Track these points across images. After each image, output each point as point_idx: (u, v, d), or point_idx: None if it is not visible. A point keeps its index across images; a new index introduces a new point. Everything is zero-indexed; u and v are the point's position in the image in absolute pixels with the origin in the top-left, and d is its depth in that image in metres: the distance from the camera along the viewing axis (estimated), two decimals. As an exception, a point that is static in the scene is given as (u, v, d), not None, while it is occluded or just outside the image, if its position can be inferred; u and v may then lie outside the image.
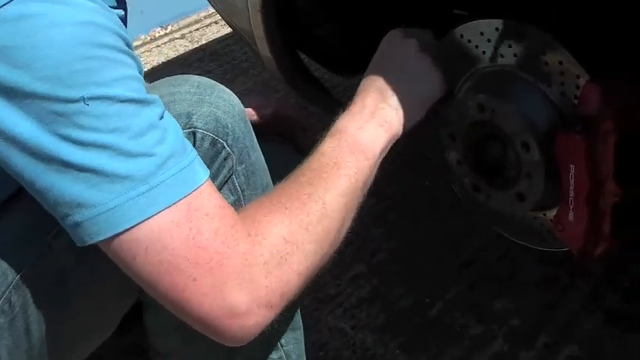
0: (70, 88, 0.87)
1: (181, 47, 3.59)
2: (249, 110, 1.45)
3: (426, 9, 1.64)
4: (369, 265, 1.98)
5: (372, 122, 1.19)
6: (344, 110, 1.22)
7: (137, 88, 0.93)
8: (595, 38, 1.22)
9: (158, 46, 3.65)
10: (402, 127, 1.23)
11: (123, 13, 1.08)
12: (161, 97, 1.01)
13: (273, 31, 1.62)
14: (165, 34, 3.81)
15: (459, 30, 1.35)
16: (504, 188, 1.32)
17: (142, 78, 0.98)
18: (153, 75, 2.30)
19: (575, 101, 1.18)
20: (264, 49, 1.69)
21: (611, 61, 1.20)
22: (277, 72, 1.75)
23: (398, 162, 2.16)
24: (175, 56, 3.46)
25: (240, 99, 1.42)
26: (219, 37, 3.52)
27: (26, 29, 0.87)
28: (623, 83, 1.18)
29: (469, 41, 1.33)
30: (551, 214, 1.29)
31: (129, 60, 0.95)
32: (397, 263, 1.97)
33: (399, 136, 1.22)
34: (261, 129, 1.36)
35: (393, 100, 1.22)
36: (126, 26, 1.11)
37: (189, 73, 2.66)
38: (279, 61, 1.72)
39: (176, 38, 3.74)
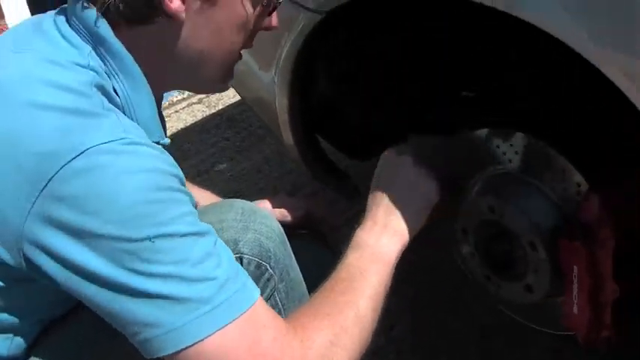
0: (137, 229, 0.98)
1: (199, 112, 3.71)
2: (283, 211, 1.59)
3: (436, 92, 1.78)
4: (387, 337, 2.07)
5: (386, 234, 1.32)
6: (358, 226, 1.34)
7: (193, 221, 1.05)
8: (595, 150, 1.34)
9: (177, 111, 3.78)
10: (409, 233, 1.35)
11: (169, 141, 1.22)
12: (211, 224, 1.14)
13: (298, 126, 1.75)
14: (183, 99, 3.93)
15: (473, 133, 1.48)
16: (513, 280, 1.45)
17: (195, 210, 1.10)
18: (174, 141, 2.41)
19: (578, 205, 1.31)
20: (288, 138, 1.81)
21: (609, 170, 1.33)
22: (300, 160, 1.87)
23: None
24: (193, 122, 3.58)
25: (272, 200, 1.57)
26: (235, 102, 3.63)
27: (95, 181, 0.97)
28: (620, 192, 1.30)
29: (481, 145, 1.46)
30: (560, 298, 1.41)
31: (184, 197, 1.06)
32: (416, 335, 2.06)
33: (408, 242, 1.35)
34: (293, 226, 1.51)
35: (398, 212, 1.35)
36: None
37: (207, 140, 2.83)
38: (302, 151, 1.84)
39: (194, 103, 3.86)
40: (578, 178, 1.31)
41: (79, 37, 1.11)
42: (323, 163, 1.92)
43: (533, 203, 1.38)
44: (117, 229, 0.98)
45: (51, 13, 1.17)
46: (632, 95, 0.99)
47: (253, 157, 3.05)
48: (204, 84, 1.28)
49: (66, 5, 1.14)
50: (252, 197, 2.69)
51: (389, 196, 1.35)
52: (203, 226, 1.07)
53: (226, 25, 1.17)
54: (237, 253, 1.26)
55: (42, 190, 0.97)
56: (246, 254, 1.27)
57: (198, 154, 3.07)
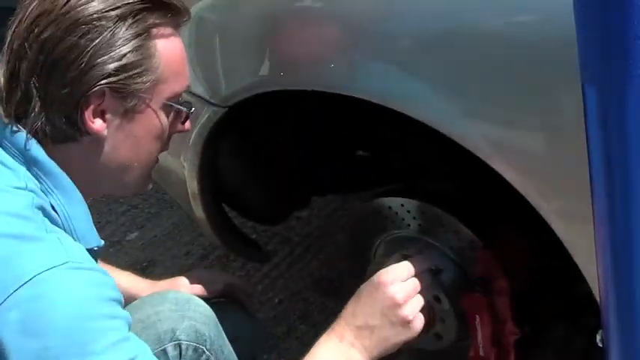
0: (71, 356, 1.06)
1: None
2: (201, 287, 1.68)
3: (332, 155, 1.93)
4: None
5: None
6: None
7: (127, 348, 1.12)
8: (484, 211, 1.50)
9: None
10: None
11: (102, 243, 1.32)
12: (148, 316, 1.26)
13: (207, 203, 1.86)
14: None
15: (376, 201, 1.62)
16: (424, 330, 1.58)
17: (129, 327, 1.17)
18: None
19: (473, 260, 1.46)
20: (198, 212, 1.92)
21: (498, 228, 1.48)
22: (211, 232, 1.98)
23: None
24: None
25: (188, 276, 1.67)
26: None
27: (36, 309, 1.05)
28: (511, 244, 1.46)
29: (382, 212, 1.60)
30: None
31: (118, 323, 1.13)
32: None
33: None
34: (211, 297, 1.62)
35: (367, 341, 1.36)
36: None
37: (116, 209, 2.86)
38: (212, 223, 1.95)
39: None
40: (471, 236, 1.46)
41: (12, 159, 1.19)
42: (232, 233, 2.03)
43: (434, 262, 1.52)
44: (56, 352, 1.05)
45: None
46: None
47: (163, 223, 3.11)
48: (127, 189, 1.38)
49: None
50: (165, 264, 2.81)
51: (362, 322, 1.37)
52: (132, 349, 1.14)
53: (144, 137, 1.27)
54: (175, 341, 1.36)
55: None
56: (184, 340, 1.38)
57: (109, 225, 3.11)
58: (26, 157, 1.19)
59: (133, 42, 1.18)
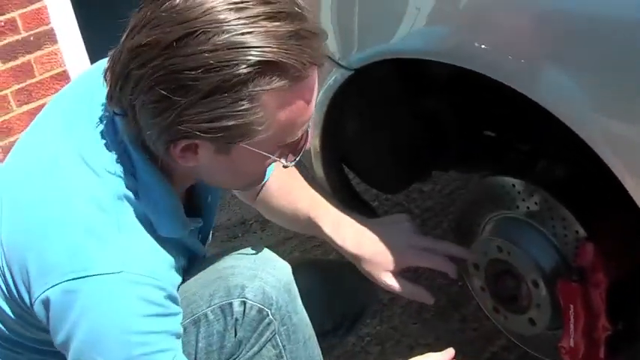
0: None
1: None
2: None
3: (461, 132, 1.95)
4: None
5: None
6: None
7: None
8: (593, 203, 1.50)
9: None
10: None
11: (201, 222, 1.42)
12: (224, 268, 1.40)
13: (327, 161, 1.91)
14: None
15: (490, 179, 1.65)
16: (519, 313, 1.61)
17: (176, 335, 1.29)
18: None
19: (575, 250, 1.47)
20: (318, 171, 1.97)
21: (604, 222, 1.48)
22: (328, 190, 2.04)
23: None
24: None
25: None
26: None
27: (81, 308, 1.19)
28: (613, 240, 1.46)
29: (494, 190, 1.63)
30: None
31: (154, 338, 1.23)
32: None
33: None
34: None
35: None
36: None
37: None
38: (330, 182, 2.00)
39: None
40: (577, 226, 1.47)
41: (111, 140, 1.25)
42: (350, 195, 2.08)
43: (537, 246, 1.54)
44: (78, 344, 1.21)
45: (102, 97, 1.26)
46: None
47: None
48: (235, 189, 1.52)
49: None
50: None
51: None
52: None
53: (240, 169, 1.27)
54: (242, 297, 1.41)
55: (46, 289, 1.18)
56: (250, 299, 1.41)
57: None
58: (122, 145, 1.25)
59: (233, 108, 1.12)
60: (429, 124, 1.89)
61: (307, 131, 1.28)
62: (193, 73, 1.08)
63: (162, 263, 1.28)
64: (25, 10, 3.22)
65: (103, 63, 1.25)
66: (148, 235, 1.26)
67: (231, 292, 1.40)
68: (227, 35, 1.07)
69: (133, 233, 1.24)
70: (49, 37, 3.32)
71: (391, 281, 1.59)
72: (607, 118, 1.20)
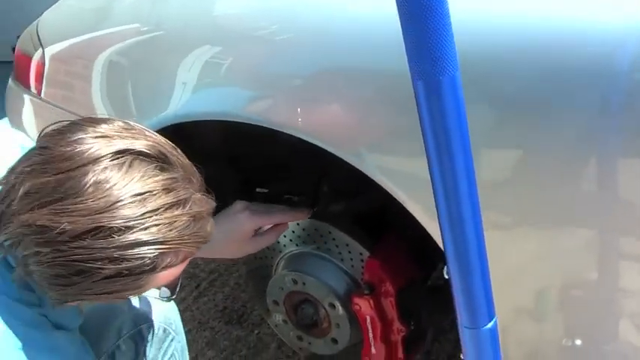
0: None
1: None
2: None
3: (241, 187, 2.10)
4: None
5: None
6: None
7: None
8: (373, 225, 1.71)
9: None
10: None
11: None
12: (121, 305, 1.56)
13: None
14: None
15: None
16: (321, 336, 1.79)
17: None
18: None
19: (362, 268, 1.67)
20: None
21: (383, 241, 1.69)
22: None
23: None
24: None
25: None
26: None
27: None
28: (394, 251, 1.67)
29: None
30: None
31: None
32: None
33: None
34: None
35: None
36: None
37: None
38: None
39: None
40: (360, 249, 1.68)
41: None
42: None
43: (327, 272, 1.73)
44: None
45: None
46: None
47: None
48: None
49: None
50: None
51: None
52: None
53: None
54: (148, 322, 1.64)
55: None
56: (155, 321, 1.66)
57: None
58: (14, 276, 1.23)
59: (130, 285, 1.16)
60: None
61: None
62: (98, 263, 1.10)
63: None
64: None
65: None
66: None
67: (136, 320, 1.57)
68: (132, 231, 1.10)
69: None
70: None
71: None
72: (383, 154, 1.36)
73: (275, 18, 1.50)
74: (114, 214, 1.09)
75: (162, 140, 1.20)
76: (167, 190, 1.14)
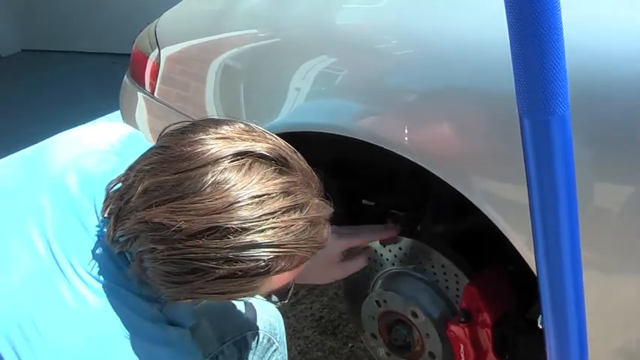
0: None
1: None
2: None
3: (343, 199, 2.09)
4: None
5: None
6: None
7: None
8: (472, 252, 1.67)
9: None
10: None
11: None
12: (226, 310, 1.60)
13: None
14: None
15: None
16: (412, 359, 1.75)
17: None
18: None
19: (460, 295, 1.63)
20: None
21: (484, 268, 1.65)
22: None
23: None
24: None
25: None
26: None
27: None
28: (494, 281, 1.62)
29: (378, 250, 1.78)
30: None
31: None
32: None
33: None
34: None
35: None
36: None
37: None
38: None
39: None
40: (459, 274, 1.63)
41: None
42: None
43: (425, 295, 1.69)
44: None
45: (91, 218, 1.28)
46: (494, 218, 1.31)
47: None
48: None
49: None
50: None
51: None
52: None
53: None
54: (253, 330, 1.66)
55: None
56: (261, 330, 1.68)
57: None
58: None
59: (244, 287, 1.18)
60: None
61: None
62: (213, 263, 1.11)
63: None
64: None
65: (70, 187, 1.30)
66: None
67: (241, 327, 1.59)
68: (248, 233, 1.11)
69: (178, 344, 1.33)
70: None
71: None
72: (489, 179, 1.33)
73: (396, 33, 1.48)
74: (231, 215, 1.09)
75: (283, 143, 1.21)
76: (285, 193, 1.14)
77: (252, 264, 1.12)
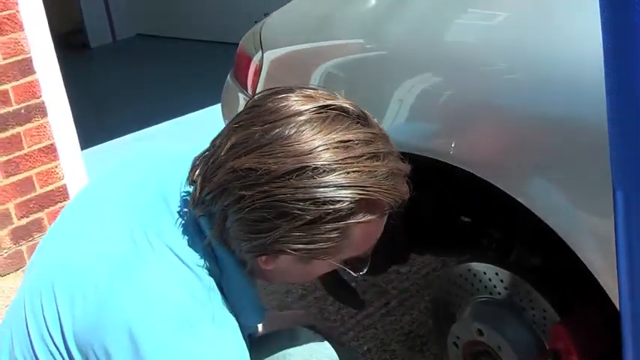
0: None
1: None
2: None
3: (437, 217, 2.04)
4: None
5: None
6: None
7: None
8: (565, 289, 1.59)
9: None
10: None
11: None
12: (281, 353, 1.48)
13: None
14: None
15: (465, 266, 1.74)
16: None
17: None
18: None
19: (548, 333, 1.56)
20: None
21: (576, 306, 1.57)
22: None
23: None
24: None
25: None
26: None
27: None
28: (584, 322, 1.55)
29: (474, 275, 1.72)
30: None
31: None
32: None
33: None
34: None
35: None
36: None
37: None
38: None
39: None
40: (550, 311, 1.57)
41: (196, 235, 1.29)
42: (332, 276, 2.17)
43: (514, 330, 1.62)
44: None
45: (174, 192, 1.33)
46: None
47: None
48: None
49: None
50: (265, 298, 2.94)
51: None
52: None
53: (315, 272, 1.36)
54: None
55: None
56: None
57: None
58: (207, 242, 1.28)
59: (329, 235, 1.19)
60: (407, 210, 1.99)
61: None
62: (300, 204, 1.15)
63: (246, 353, 1.33)
64: (17, 83, 3.31)
65: (153, 156, 1.44)
66: (236, 326, 1.30)
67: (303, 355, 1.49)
68: (335, 174, 1.15)
69: (225, 325, 1.28)
70: (40, 110, 3.40)
71: None
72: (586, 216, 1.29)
73: (505, 54, 1.44)
74: (318, 156, 1.15)
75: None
76: (368, 142, 1.19)
77: (337, 205, 1.15)
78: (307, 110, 1.19)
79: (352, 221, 1.18)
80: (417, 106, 1.54)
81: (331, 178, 1.15)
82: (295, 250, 1.20)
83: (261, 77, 1.96)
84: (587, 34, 1.27)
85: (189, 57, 7.19)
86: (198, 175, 1.25)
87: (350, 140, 1.18)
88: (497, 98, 1.42)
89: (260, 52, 1.99)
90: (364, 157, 1.17)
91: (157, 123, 5.03)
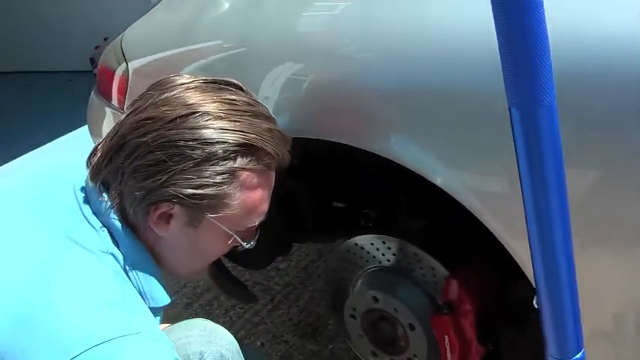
0: None
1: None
2: None
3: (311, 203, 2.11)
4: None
5: None
6: None
7: None
8: (452, 243, 1.70)
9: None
10: None
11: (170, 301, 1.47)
12: (179, 338, 1.46)
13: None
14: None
15: (351, 241, 1.82)
16: (398, 354, 1.77)
17: None
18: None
19: (441, 287, 1.66)
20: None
21: (463, 259, 1.68)
22: (206, 273, 2.15)
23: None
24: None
25: None
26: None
27: None
28: (474, 271, 1.65)
29: (362, 248, 1.80)
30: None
31: None
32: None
33: None
34: None
35: None
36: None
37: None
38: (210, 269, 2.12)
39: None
40: (439, 267, 1.67)
41: (96, 220, 1.34)
42: (222, 272, 2.21)
43: (407, 292, 1.72)
44: None
45: (66, 183, 1.41)
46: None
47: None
48: (178, 275, 1.52)
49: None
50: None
51: None
52: None
53: (203, 246, 1.42)
54: None
55: None
56: None
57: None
58: (106, 222, 1.34)
59: (216, 178, 1.30)
60: (285, 201, 2.05)
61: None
62: (191, 143, 1.28)
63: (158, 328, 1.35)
64: None
65: (52, 163, 1.47)
66: (146, 306, 1.33)
67: (190, 358, 1.50)
68: (221, 119, 1.30)
69: (136, 304, 1.30)
70: None
71: None
72: (467, 172, 1.37)
73: (357, 36, 1.52)
74: (207, 105, 1.31)
75: None
76: (251, 104, 1.36)
77: (223, 146, 1.29)
78: (196, 80, 1.37)
79: (237, 165, 1.31)
80: (282, 95, 1.61)
81: (218, 123, 1.29)
82: (185, 195, 1.29)
83: (129, 86, 1.97)
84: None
85: (34, 88, 7.01)
86: (97, 148, 1.37)
87: (236, 100, 1.34)
88: (353, 75, 1.50)
89: (124, 64, 2.01)
90: (247, 114, 1.34)
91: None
